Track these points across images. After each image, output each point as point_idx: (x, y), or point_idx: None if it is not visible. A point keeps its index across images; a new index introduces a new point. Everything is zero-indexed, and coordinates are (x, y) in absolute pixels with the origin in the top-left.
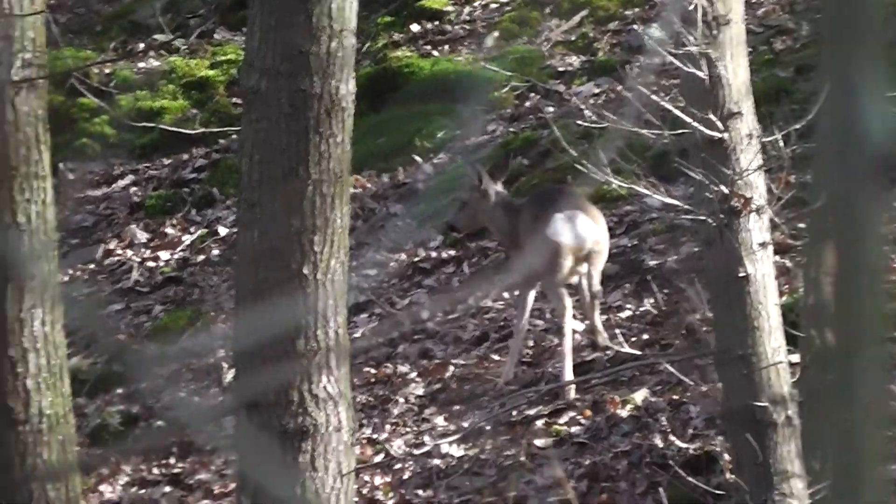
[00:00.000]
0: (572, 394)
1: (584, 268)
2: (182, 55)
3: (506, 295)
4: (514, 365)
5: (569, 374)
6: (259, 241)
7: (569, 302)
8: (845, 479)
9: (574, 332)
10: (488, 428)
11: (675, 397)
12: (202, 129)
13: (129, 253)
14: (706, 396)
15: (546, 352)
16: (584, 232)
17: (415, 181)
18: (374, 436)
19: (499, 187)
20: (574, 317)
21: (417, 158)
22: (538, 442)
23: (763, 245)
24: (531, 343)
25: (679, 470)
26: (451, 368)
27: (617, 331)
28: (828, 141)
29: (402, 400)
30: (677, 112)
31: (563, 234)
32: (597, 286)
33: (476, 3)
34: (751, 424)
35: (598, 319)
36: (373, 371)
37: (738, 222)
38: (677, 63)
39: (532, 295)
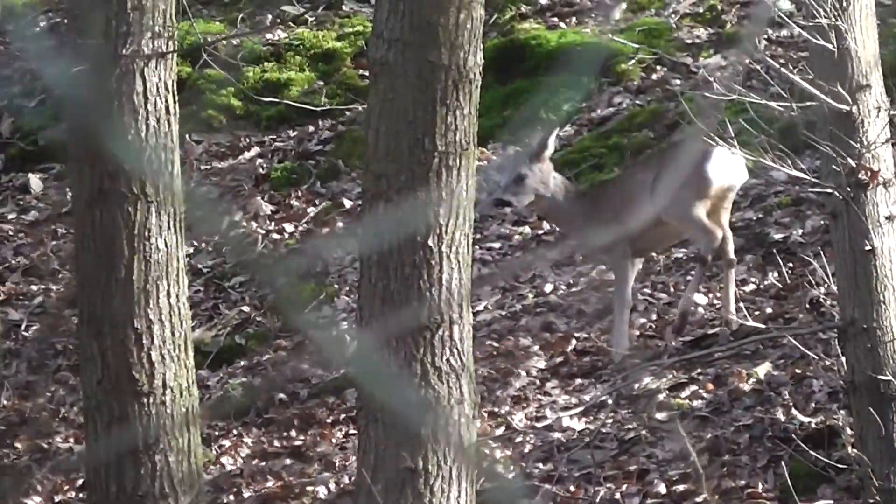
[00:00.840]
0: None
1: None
2: (309, 27)
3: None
4: (625, 337)
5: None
6: (384, 212)
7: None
8: None
9: (697, 304)
10: (610, 402)
11: (797, 371)
12: (327, 106)
13: (254, 225)
14: (829, 370)
15: (669, 325)
16: (737, 170)
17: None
18: (496, 409)
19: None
20: (698, 288)
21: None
22: (660, 415)
23: (890, 218)
24: (654, 316)
25: (801, 444)
26: (573, 342)
27: (741, 304)
28: None
29: (523, 373)
30: (805, 84)
31: (720, 170)
32: (732, 253)
33: None
34: (874, 398)
35: (732, 290)
36: (495, 344)
37: (865, 195)
38: (806, 35)
39: (634, 260)
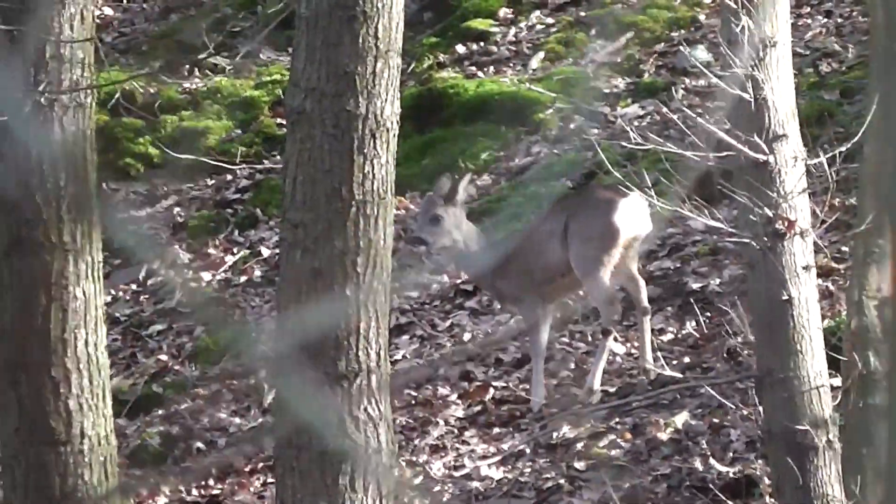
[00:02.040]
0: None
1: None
2: (227, 75)
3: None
4: (541, 386)
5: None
6: (302, 261)
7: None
8: (891, 501)
9: (613, 353)
10: (528, 450)
11: (715, 420)
12: (242, 163)
13: (172, 273)
14: (747, 420)
15: (586, 374)
16: (643, 219)
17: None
18: (414, 458)
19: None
20: (616, 339)
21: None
22: (578, 465)
23: (807, 268)
24: (571, 365)
25: (719, 493)
26: (492, 391)
27: (659, 353)
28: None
29: (441, 422)
30: (722, 134)
31: (627, 222)
32: (645, 301)
33: (522, 25)
34: (792, 448)
35: (648, 339)
36: (413, 393)
37: (783, 245)
38: (723, 85)
39: (547, 308)
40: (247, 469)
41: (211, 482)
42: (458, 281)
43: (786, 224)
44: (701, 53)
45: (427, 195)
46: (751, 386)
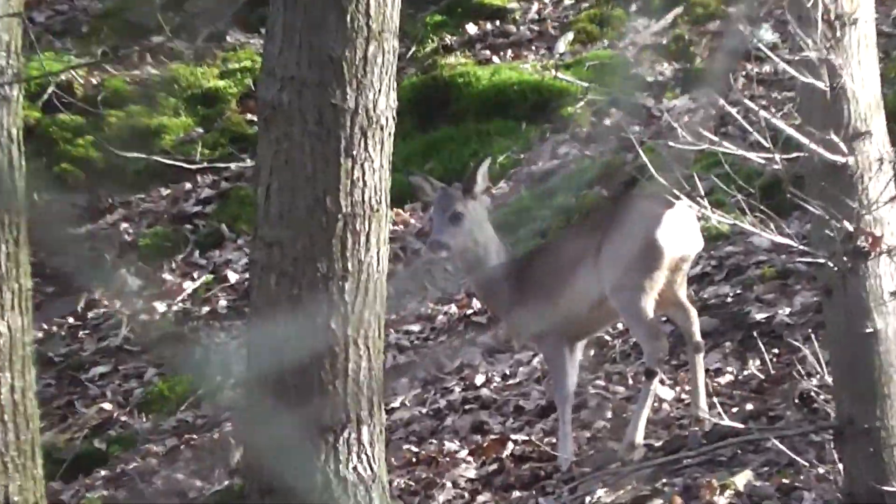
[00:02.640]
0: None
1: (671, 290)
2: (186, 62)
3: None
4: (570, 440)
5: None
6: (278, 288)
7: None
8: None
9: (659, 399)
10: None
11: (785, 481)
12: (206, 162)
13: (118, 304)
14: (823, 480)
15: (626, 424)
16: (694, 235)
17: None
18: None
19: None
20: (662, 381)
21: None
22: None
23: (895, 294)
24: (608, 414)
25: None
26: (511, 445)
27: (715, 399)
28: None
29: (449, 484)
30: (792, 131)
31: (674, 238)
32: (698, 335)
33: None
34: None
35: (701, 382)
36: (414, 449)
37: (866, 266)
38: (792, 72)
39: (570, 347)
40: None
41: None
42: (469, 311)
43: (869, 240)
44: (766, 34)
45: (441, 188)
46: (828, 438)
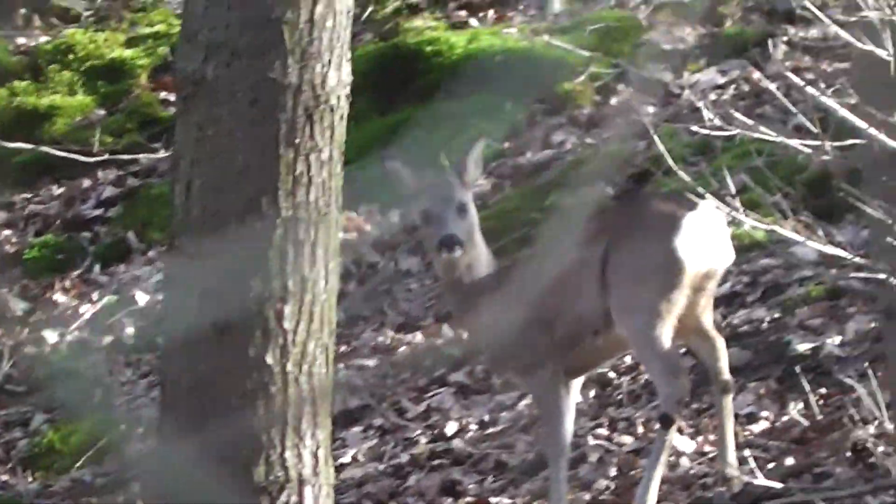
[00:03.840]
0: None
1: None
2: (85, 25)
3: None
4: (564, 502)
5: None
6: (200, 312)
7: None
8: None
9: (677, 452)
10: None
11: None
12: (108, 153)
13: None
14: None
15: (636, 484)
16: (721, 244)
17: None
18: None
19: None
20: (681, 430)
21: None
22: None
23: None
24: (612, 471)
25: None
26: None
27: (747, 451)
28: None
29: None
30: (845, 113)
31: (697, 248)
32: (727, 372)
33: None
34: None
35: (730, 430)
36: None
37: None
38: (846, 37)
39: (566, 385)
40: None
41: None
42: (438, 341)
43: None
44: None
45: (441, 175)
46: (889, 501)
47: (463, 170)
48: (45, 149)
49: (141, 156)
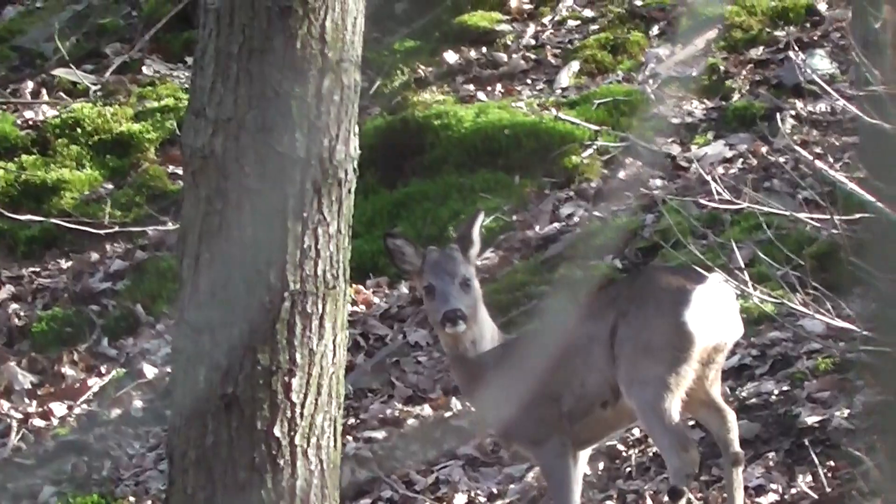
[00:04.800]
0: None
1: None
2: (93, 99)
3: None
4: None
5: None
6: (208, 387)
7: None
8: None
9: None
10: None
11: None
12: (117, 226)
13: (7, 405)
14: None
15: None
16: (730, 318)
17: None
18: None
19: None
20: (690, 502)
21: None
22: None
23: None
24: None
25: None
26: None
27: None
28: None
29: None
30: (853, 186)
31: (706, 322)
32: (737, 444)
33: (546, 20)
34: None
35: (740, 502)
36: None
37: None
38: (854, 110)
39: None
40: None
41: None
42: (447, 414)
43: None
44: (821, 62)
45: (443, 250)
46: None
47: (467, 243)
48: (55, 220)
49: (148, 229)
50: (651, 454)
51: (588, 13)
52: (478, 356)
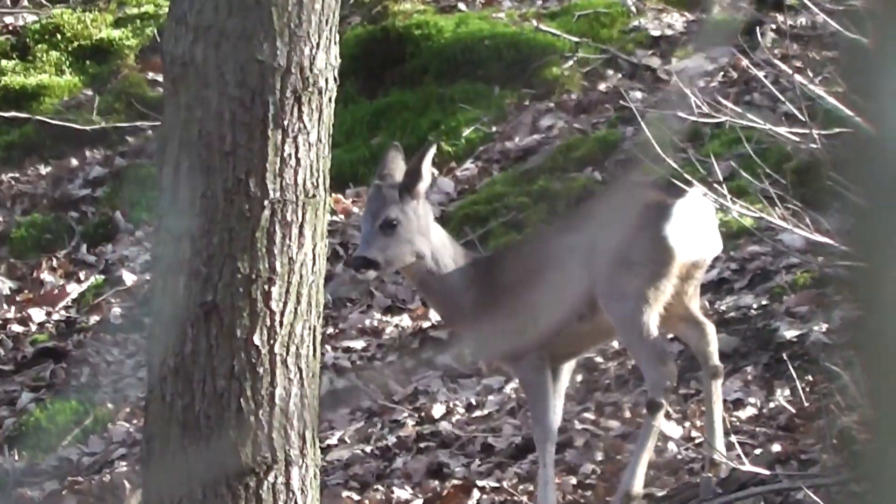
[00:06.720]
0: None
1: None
2: (73, 5)
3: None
4: (552, 488)
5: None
6: (187, 293)
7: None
8: None
9: (665, 437)
10: None
11: None
12: (100, 124)
13: None
14: None
15: (622, 469)
16: (709, 232)
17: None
18: None
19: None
20: (668, 415)
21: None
22: None
23: None
24: (599, 456)
25: None
26: (476, 493)
27: (734, 437)
28: None
29: None
30: (832, 100)
31: (685, 236)
32: (716, 358)
33: None
34: None
35: (718, 416)
36: (356, 497)
37: None
38: (834, 25)
39: (553, 371)
40: None
41: None
42: (426, 324)
43: None
44: None
45: (373, 185)
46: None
47: (413, 179)
48: (39, 117)
49: (129, 136)
50: (629, 367)
51: None
52: (444, 282)
